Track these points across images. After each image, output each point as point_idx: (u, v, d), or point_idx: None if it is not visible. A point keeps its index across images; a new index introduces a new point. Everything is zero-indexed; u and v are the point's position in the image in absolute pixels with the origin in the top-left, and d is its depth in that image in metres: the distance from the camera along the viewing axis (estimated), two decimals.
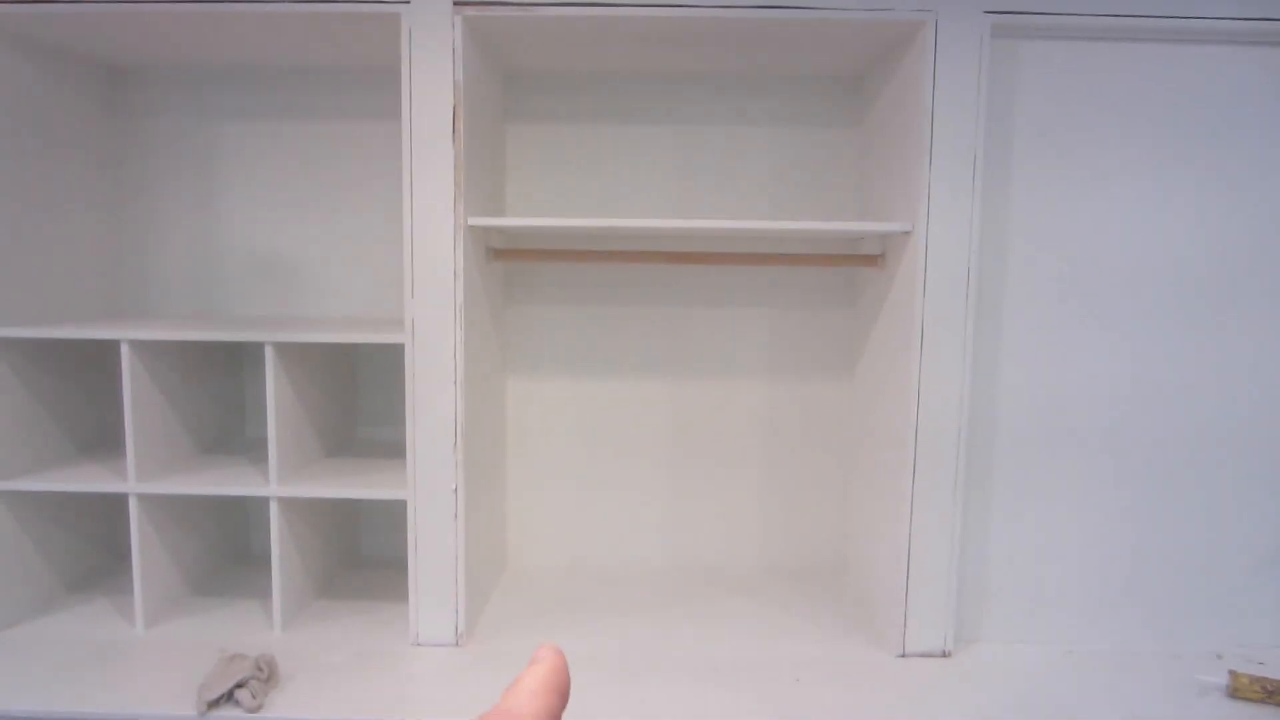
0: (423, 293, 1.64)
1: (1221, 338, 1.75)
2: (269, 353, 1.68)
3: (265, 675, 1.51)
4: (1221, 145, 1.71)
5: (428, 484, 1.69)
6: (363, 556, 2.19)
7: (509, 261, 1.99)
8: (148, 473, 1.73)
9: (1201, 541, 1.79)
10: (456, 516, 1.69)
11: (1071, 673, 1.66)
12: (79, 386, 1.92)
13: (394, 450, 1.98)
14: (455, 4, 1.59)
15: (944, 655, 1.71)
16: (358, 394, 2.15)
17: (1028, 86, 1.69)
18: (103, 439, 2.00)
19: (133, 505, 1.71)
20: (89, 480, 1.72)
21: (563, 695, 0.37)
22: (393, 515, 2.03)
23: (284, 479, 1.72)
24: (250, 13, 1.60)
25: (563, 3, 1.59)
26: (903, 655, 1.71)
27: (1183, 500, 1.78)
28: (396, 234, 2.02)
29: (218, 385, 2.03)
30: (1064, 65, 1.68)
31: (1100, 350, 1.75)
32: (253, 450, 1.97)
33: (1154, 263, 1.73)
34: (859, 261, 1.87)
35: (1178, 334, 1.75)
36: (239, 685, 1.47)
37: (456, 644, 1.72)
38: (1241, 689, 1.56)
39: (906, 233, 1.68)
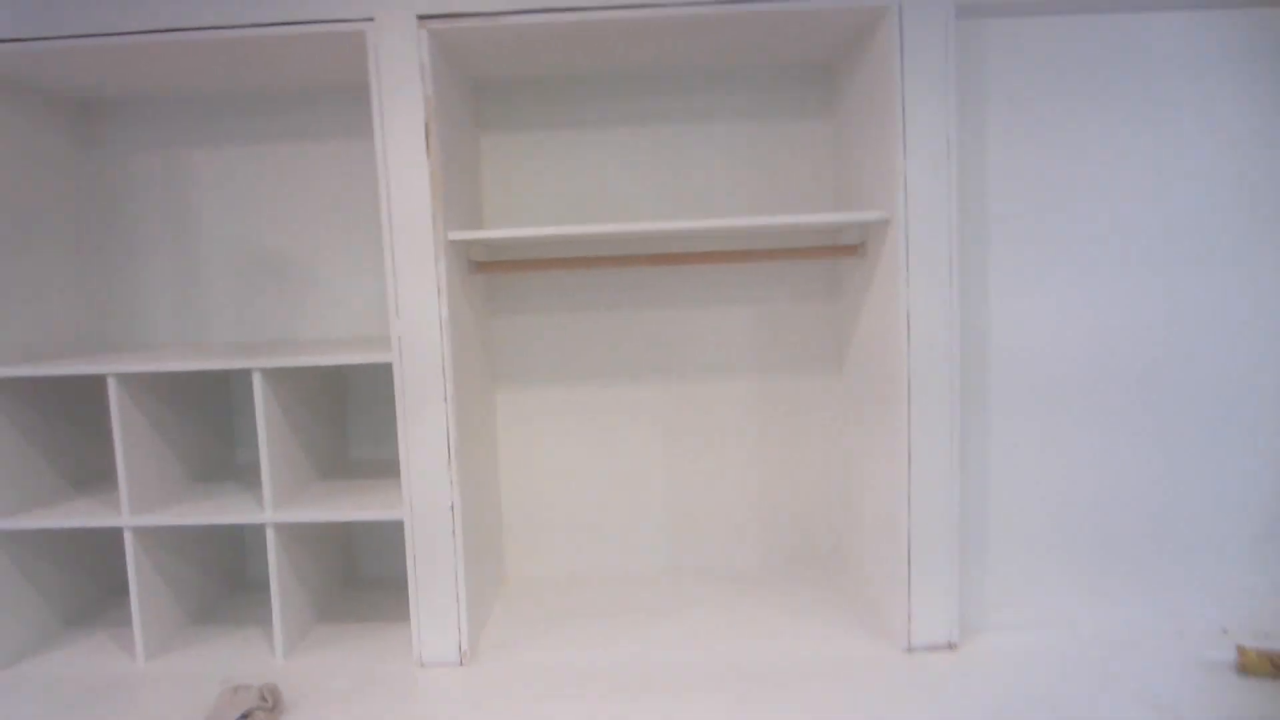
0: (408, 311, 1.64)
1: (1199, 287, 1.76)
2: (257, 379, 1.67)
3: (270, 705, 1.50)
4: (1182, 105, 1.71)
5: (423, 502, 1.68)
6: (362, 577, 2.18)
7: (492, 273, 1.99)
8: (141, 505, 1.72)
9: (1202, 511, 1.79)
10: (454, 533, 1.69)
11: (1080, 658, 1.64)
12: (68, 422, 1.91)
13: (388, 469, 1.97)
14: (420, 18, 1.59)
15: (950, 648, 1.70)
16: (348, 414, 2.15)
17: (996, 63, 1.69)
18: (95, 473, 1.99)
19: (128, 539, 1.70)
20: (83, 516, 1.71)
21: None
22: (390, 534, 2.02)
23: (279, 504, 1.72)
24: (216, 40, 1.60)
25: (527, 10, 1.59)
26: (909, 650, 1.70)
27: (1181, 468, 1.78)
28: (376, 252, 2.02)
29: (207, 412, 2.02)
30: (1030, 40, 1.69)
31: (1089, 308, 1.75)
32: (245, 475, 1.97)
33: (1132, 218, 1.73)
34: (839, 252, 1.87)
35: (1165, 283, 1.75)
36: (244, 717, 1.46)
37: (461, 663, 1.71)
38: (1250, 665, 1.54)
39: (885, 221, 1.67)
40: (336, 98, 2.04)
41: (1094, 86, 1.70)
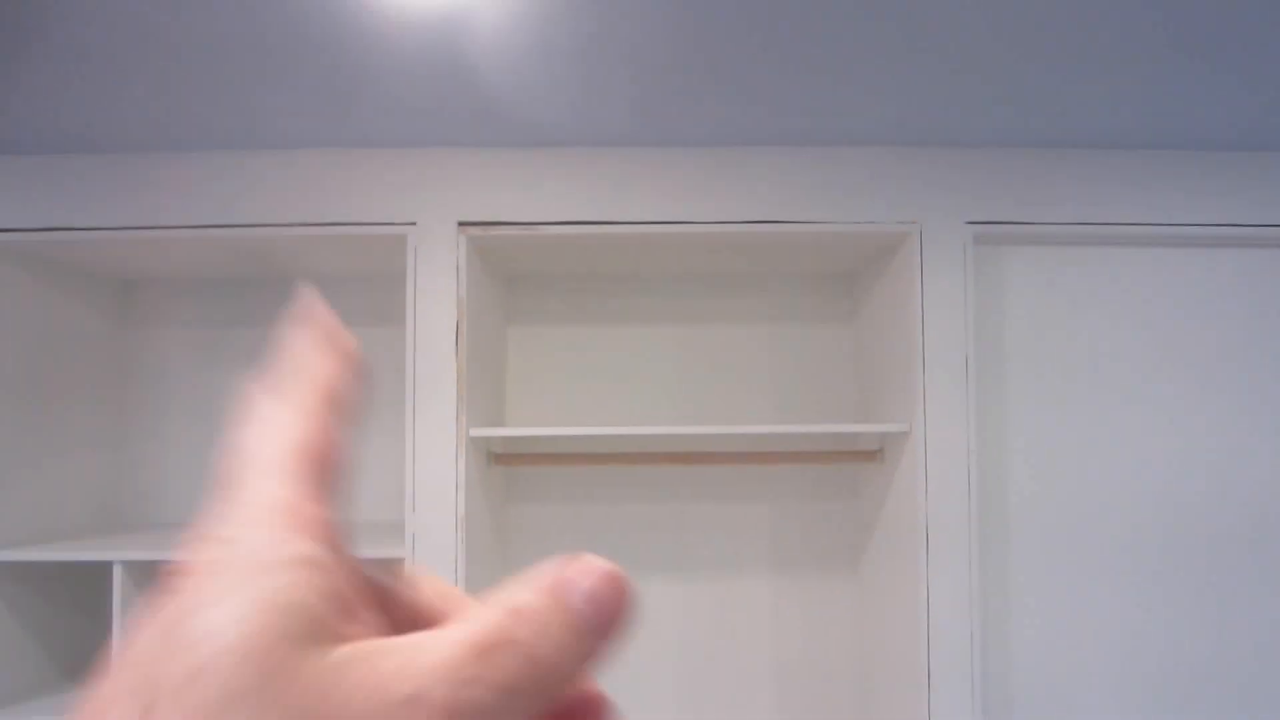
0: (424, 506, 1.63)
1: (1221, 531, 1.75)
2: None
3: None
4: (1197, 339, 1.76)
5: None
6: None
7: (510, 466, 1.98)
8: None
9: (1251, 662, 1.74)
10: None
11: None
12: (66, 606, 1.86)
13: None
14: (460, 225, 1.66)
15: None
16: None
17: (1014, 288, 1.75)
18: (89, 658, 1.91)
19: None
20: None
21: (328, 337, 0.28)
22: None
23: None
24: (261, 236, 1.65)
25: (561, 221, 1.66)
26: None
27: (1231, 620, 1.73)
28: (398, 437, 2.02)
29: None
30: (1047, 268, 1.75)
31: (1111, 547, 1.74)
32: None
33: (1141, 456, 1.75)
34: (858, 458, 1.88)
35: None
36: None
37: None
38: None
39: (905, 432, 1.69)
40: (366, 285, 2.08)
41: (1110, 314, 1.76)
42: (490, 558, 1.88)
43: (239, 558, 0.20)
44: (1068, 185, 1.67)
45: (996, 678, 1.72)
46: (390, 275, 1.94)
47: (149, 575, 1.71)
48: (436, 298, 1.65)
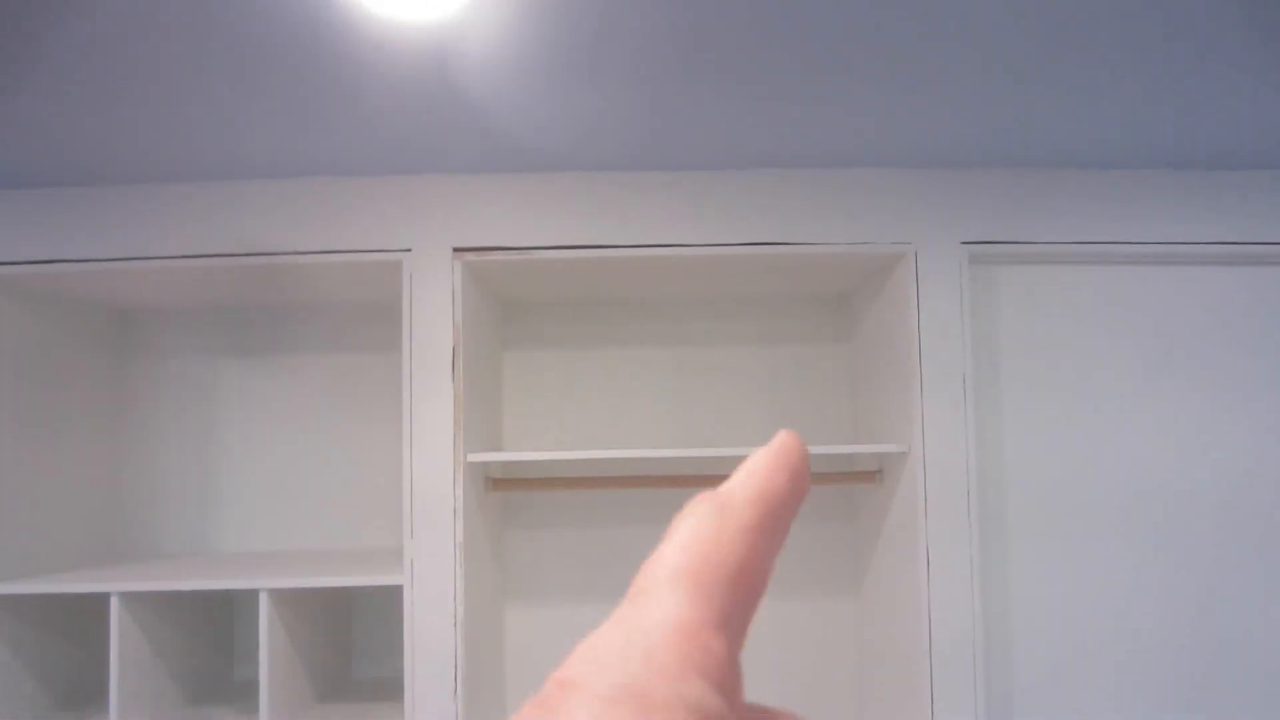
0: (422, 532, 1.62)
1: (1219, 542, 1.74)
2: (263, 600, 1.63)
3: None
4: (1192, 356, 1.77)
5: None
6: None
7: (508, 491, 1.98)
8: None
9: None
10: None
11: None
12: (60, 636, 1.85)
13: (391, 689, 1.89)
14: (455, 250, 1.66)
15: None
16: (353, 630, 2.08)
17: (1010, 307, 1.75)
18: (84, 690, 1.91)
19: None
20: None
21: (796, 476, 0.25)
22: None
23: None
24: (256, 265, 1.65)
25: (556, 245, 1.66)
26: None
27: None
28: (395, 464, 2.02)
29: (208, 628, 1.96)
30: (1042, 287, 1.75)
31: (1107, 560, 1.73)
32: (242, 697, 1.88)
33: (1142, 470, 1.75)
34: (857, 479, 1.87)
35: (1179, 542, 1.74)
36: None
37: None
38: None
39: (903, 453, 1.69)
40: (362, 314, 2.09)
41: (1106, 332, 1.76)
42: (489, 582, 1.87)
43: (627, 687, 0.19)
44: (1062, 205, 1.67)
45: (1000, 699, 1.71)
46: (386, 302, 1.95)
47: (146, 606, 1.70)
48: (432, 323, 1.65)
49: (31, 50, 1.19)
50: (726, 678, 0.20)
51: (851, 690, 2.06)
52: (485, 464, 1.82)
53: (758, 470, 0.24)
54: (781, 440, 0.26)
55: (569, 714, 0.18)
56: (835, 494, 2.08)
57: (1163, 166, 1.68)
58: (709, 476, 1.78)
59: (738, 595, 0.21)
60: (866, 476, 1.86)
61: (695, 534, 0.22)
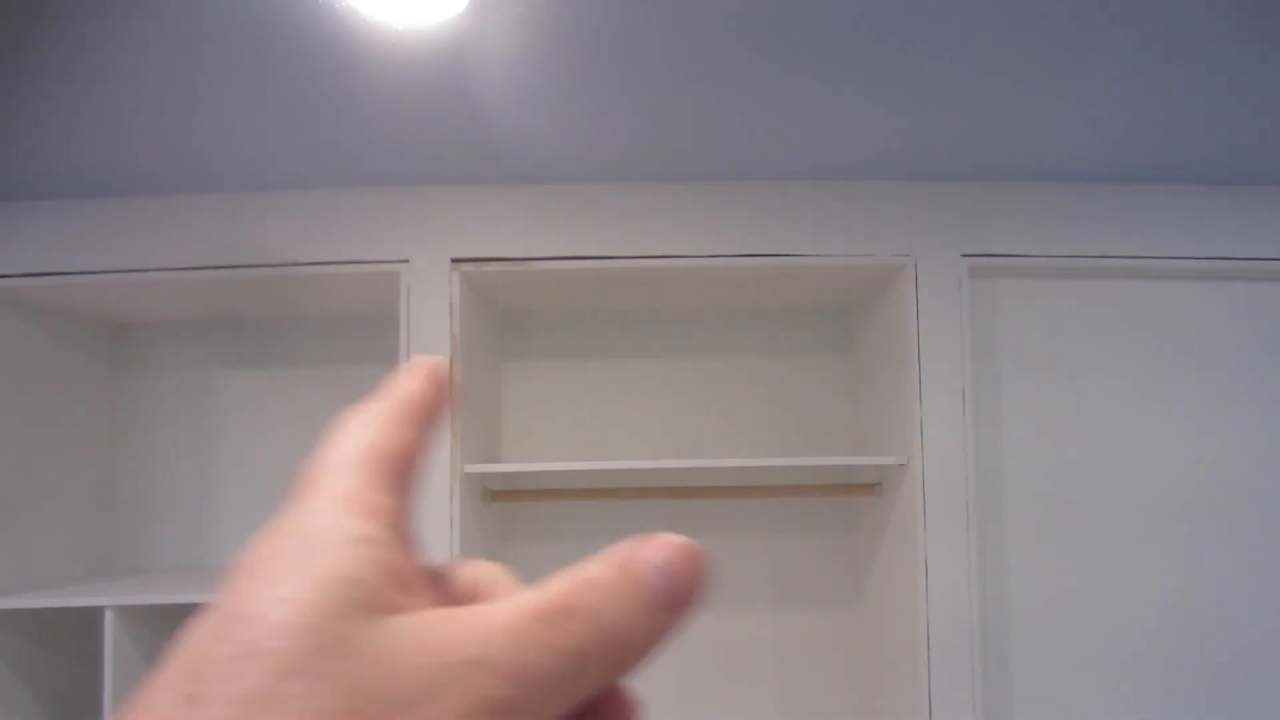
0: (419, 543, 1.61)
1: (1216, 554, 1.74)
2: None
3: None
4: (1190, 369, 1.77)
5: None
6: None
7: (507, 502, 1.97)
8: None
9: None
10: None
11: None
12: (56, 651, 1.83)
13: None
14: (453, 261, 1.65)
15: None
16: None
17: (1010, 320, 1.75)
18: (79, 704, 1.89)
19: None
20: None
21: (434, 382, 0.27)
22: None
23: None
24: (253, 277, 1.65)
25: (554, 257, 1.66)
26: None
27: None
28: None
29: None
30: (1042, 300, 1.75)
31: (1115, 579, 1.73)
32: None
33: (1140, 483, 1.74)
34: (856, 491, 1.87)
35: (1177, 549, 1.74)
36: None
37: None
38: None
39: (902, 465, 1.68)
40: (358, 325, 2.07)
41: (1104, 345, 1.76)
42: None
43: (299, 539, 0.21)
44: (1063, 218, 1.67)
45: (998, 708, 1.70)
46: (384, 314, 1.94)
47: (141, 619, 1.69)
48: (430, 334, 1.64)
49: (28, 63, 1.18)
50: (395, 520, 0.22)
51: (850, 699, 2.05)
52: (483, 476, 1.81)
53: (398, 378, 0.27)
54: (422, 364, 0.28)
55: (257, 572, 0.20)
56: (835, 506, 2.07)
57: (1164, 181, 1.69)
58: (710, 488, 1.79)
59: (391, 465, 0.23)
60: (865, 489, 1.86)
61: (347, 432, 0.25)
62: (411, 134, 1.47)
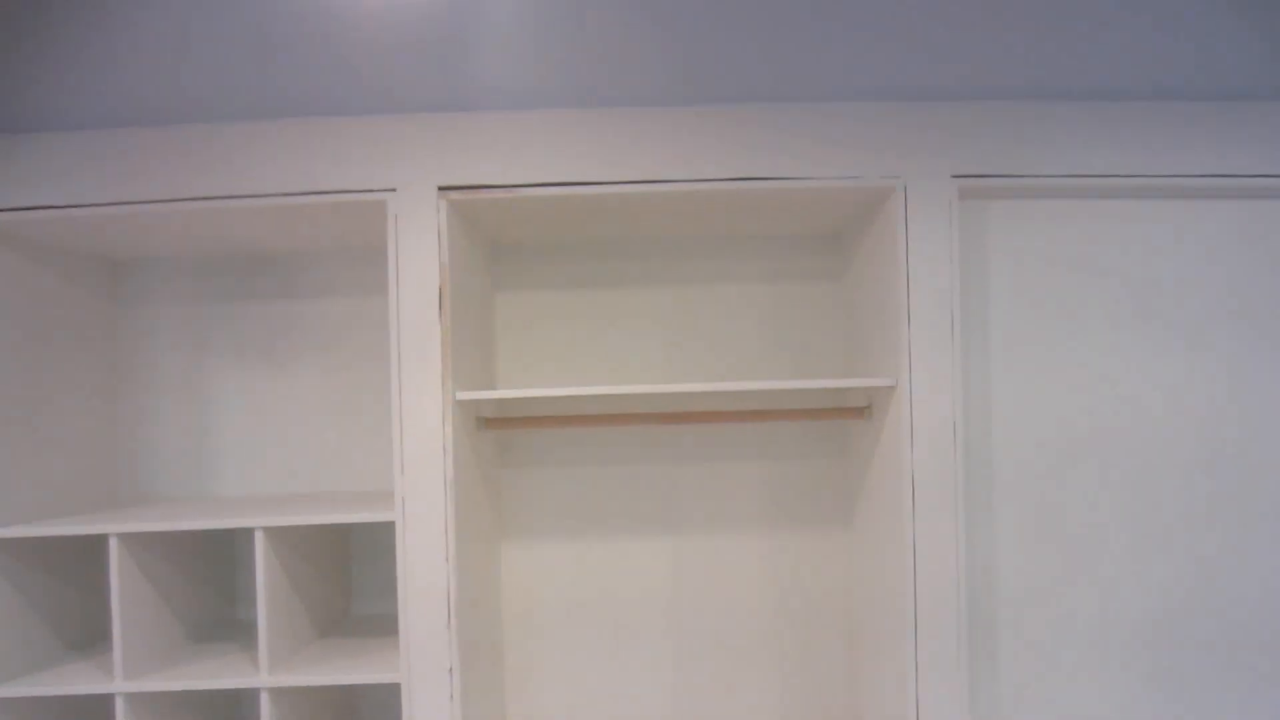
0: (411, 470, 1.64)
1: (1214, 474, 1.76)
2: (259, 538, 1.66)
3: None
4: (1185, 290, 1.76)
5: (421, 665, 1.64)
6: None
7: (502, 430, 1.99)
8: (136, 669, 1.69)
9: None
10: (452, 698, 1.64)
11: None
12: (66, 580, 1.88)
13: (390, 625, 1.93)
14: (440, 189, 1.65)
15: None
16: (352, 568, 2.12)
17: (1000, 242, 1.74)
18: (91, 631, 1.95)
19: (120, 707, 1.65)
20: (76, 682, 1.67)
21: None
22: (392, 694, 1.96)
23: (275, 666, 1.68)
24: (242, 207, 1.65)
25: (542, 183, 1.65)
26: None
27: (1191, 696, 1.76)
28: (386, 405, 2.03)
29: (207, 568, 2.00)
30: (1034, 221, 1.74)
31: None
32: (244, 635, 1.93)
33: (1124, 407, 1.75)
34: (846, 414, 1.88)
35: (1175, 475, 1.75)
36: None
37: None
38: None
39: (891, 387, 1.69)
40: (351, 257, 2.09)
41: (1097, 266, 1.74)
42: (483, 519, 1.90)
43: None
44: (1054, 137, 1.65)
45: (982, 623, 1.73)
46: (376, 246, 1.95)
47: (145, 548, 1.74)
48: (419, 264, 1.65)
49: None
50: None
51: (841, 618, 2.09)
52: (476, 403, 1.83)
53: None
54: None
55: None
56: (826, 430, 2.09)
57: (1158, 98, 1.65)
58: (702, 412, 1.81)
59: None
60: (856, 412, 1.87)
61: None
62: (396, 61, 1.46)
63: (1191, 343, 1.76)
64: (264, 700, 1.67)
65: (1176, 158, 1.66)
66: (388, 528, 1.74)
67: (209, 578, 2.01)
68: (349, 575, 2.11)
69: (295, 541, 1.79)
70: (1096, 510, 1.75)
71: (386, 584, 2.09)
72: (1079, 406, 1.75)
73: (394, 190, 1.65)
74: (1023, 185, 1.67)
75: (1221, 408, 1.75)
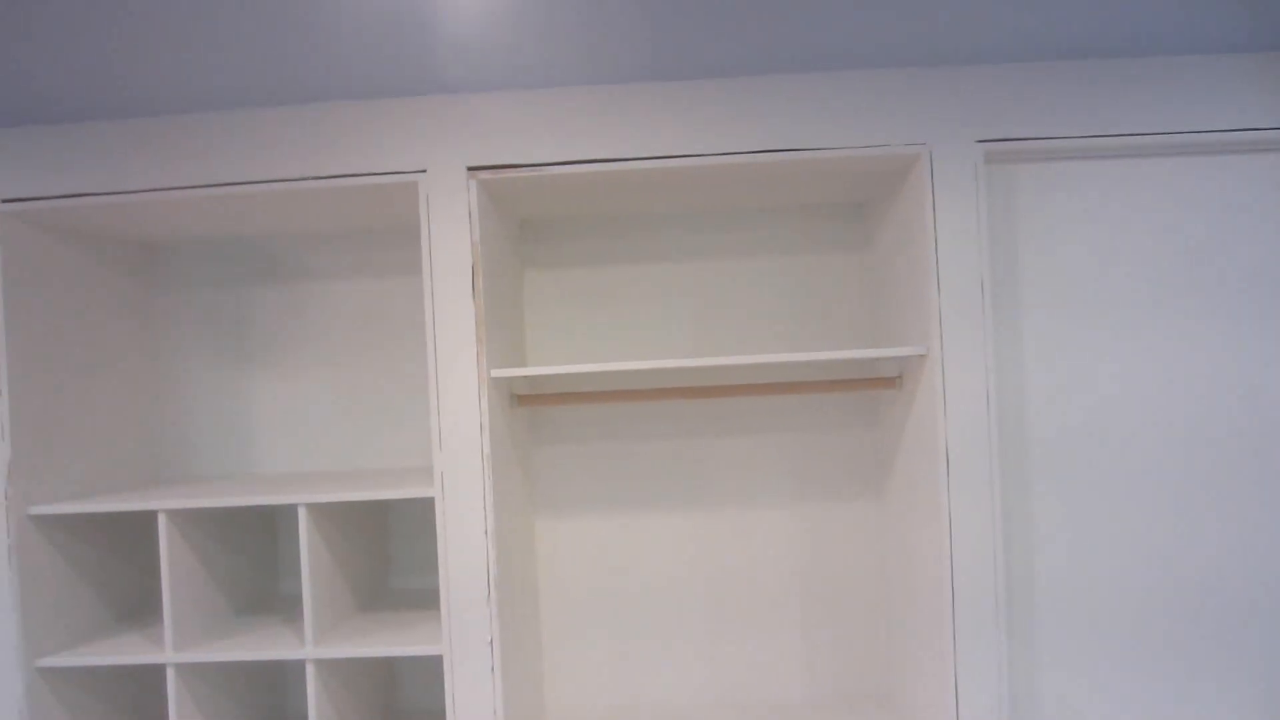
0: (450, 446, 1.67)
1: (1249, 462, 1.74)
2: (302, 514, 1.70)
3: None
4: (1217, 249, 1.73)
5: (462, 638, 1.68)
6: (404, 708, 2.16)
7: (533, 406, 2.02)
8: (185, 641, 1.74)
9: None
10: (493, 670, 1.68)
11: None
12: (115, 555, 1.95)
13: (429, 599, 1.98)
14: (470, 169, 1.67)
15: None
16: (390, 545, 2.16)
17: (1027, 207, 1.73)
18: (139, 604, 2.01)
19: (170, 676, 1.71)
20: (128, 653, 1.73)
21: None
22: (431, 666, 2.01)
23: (319, 639, 1.72)
24: (274, 192, 1.68)
25: (570, 161, 1.67)
26: None
27: (1227, 674, 1.75)
28: (423, 383, 2.07)
29: (252, 544, 2.05)
30: (1061, 184, 1.73)
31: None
32: (287, 608, 1.98)
33: (1158, 375, 1.74)
34: (877, 384, 1.88)
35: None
36: None
37: None
38: None
39: (922, 356, 1.69)
40: (384, 238, 2.13)
41: (1127, 227, 1.73)
42: (518, 495, 1.93)
43: None
44: (1079, 97, 1.64)
45: (1020, 596, 1.73)
46: (408, 226, 1.97)
47: (193, 524, 1.79)
48: (451, 244, 1.67)
49: None
50: None
51: (873, 591, 2.10)
52: (510, 380, 1.86)
53: None
54: None
55: None
56: (856, 402, 2.10)
57: (1186, 52, 1.64)
58: (732, 386, 1.82)
59: None
60: (887, 382, 1.87)
61: None
62: (421, 42, 1.48)
63: (1234, 308, 1.73)
64: (310, 671, 1.71)
65: (1212, 111, 1.64)
66: (424, 504, 1.77)
67: (252, 553, 2.06)
68: (387, 551, 2.16)
69: (336, 517, 1.83)
70: (1134, 481, 1.74)
71: (423, 559, 2.13)
72: (1113, 368, 1.73)
73: (424, 171, 1.68)
74: (1050, 148, 1.66)
75: (1262, 363, 1.73)
